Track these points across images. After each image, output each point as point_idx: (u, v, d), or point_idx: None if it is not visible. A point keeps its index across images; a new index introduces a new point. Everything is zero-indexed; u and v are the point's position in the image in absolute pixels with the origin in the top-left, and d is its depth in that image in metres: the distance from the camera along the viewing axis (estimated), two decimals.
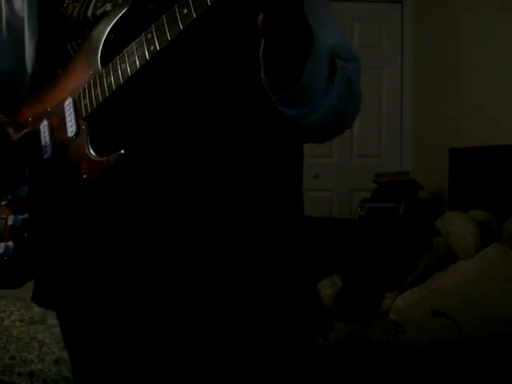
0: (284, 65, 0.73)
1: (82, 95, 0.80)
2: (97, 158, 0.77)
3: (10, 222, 0.86)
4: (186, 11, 0.66)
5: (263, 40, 0.72)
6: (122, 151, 0.75)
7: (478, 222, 2.63)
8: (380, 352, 2.03)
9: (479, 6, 3.19)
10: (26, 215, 0.85)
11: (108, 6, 0.82)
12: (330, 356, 1.98)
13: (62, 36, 0.86)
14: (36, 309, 2.23)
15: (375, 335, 2.25)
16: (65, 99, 0.83)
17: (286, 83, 0.74)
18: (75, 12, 0.84)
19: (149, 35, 0.71)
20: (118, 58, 0.75)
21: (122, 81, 0.74)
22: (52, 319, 2.09)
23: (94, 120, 0.80)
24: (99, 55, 0.79)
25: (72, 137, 0.81)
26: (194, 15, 0.65)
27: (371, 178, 3.62)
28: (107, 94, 0.76)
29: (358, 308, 2.53)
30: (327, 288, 2.63)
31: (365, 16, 4.06)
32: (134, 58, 0.73)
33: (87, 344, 0.90)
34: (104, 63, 0.78)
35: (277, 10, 0.66)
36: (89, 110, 0.79)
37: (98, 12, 0.83)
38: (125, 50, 0.74)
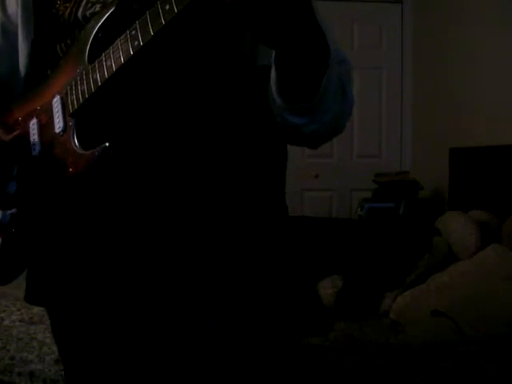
0: (300, 77, 0.73)
1: (69, 92, 0.82)
2: (82, 151, 0.79)
3: None
4: (168, 7, 0.68)
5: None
6: (107, 144, 0.76)
7: (478, 221, 2.63)
8: (380, 352, 2.03)
9: (479, 6, 3.19)
10: (13, 210, 0.86)
11: (97, 7, 0.84)
12: (330, 356, 1.98)
13: (52, 37, 0.88)
14: (36, 309, 2.22)
15: (375, 335, 2.25)
16: (53, 97, 0.84)
17: (300, 92, 0.74)
18: (66, 13, 0.86)
19: (133, 32, 0.73)
20: (103, 54, 0.77)
21: (107, 76, 0.76)
22: None
23: (80, 116, 0.81)
24: (87, 54, 0.81)
25: (59, 133, 0.82)
26: (176, 10, 0.67)
27: (371, 178, 3.62)
28: (93, 90, 0.78)
29: (357, 308, 2.53)
30: (327, 288, 2.63)
31: (365, 16, 4.06)
32: (118, 54, 0.75)
33: (78, 343, 0.90)
34: (91, 61, 0.80)
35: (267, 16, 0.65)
36: (75, 106, 0.80)
37: (88, 13, 0.84)
38: (110, 47, 0.76)
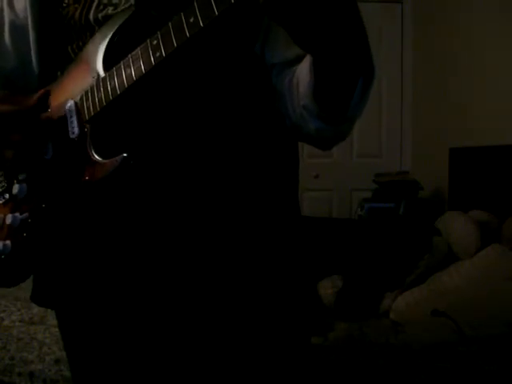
0: (342, 84, 0.72)
1: (84, 98, 0.80)
2: (100, 161, 0.77)
3: (8, 221, 0.86)
4: (192, 20, 0.65)
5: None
6: (125, 154, 0.74)
7: (478, 221, 2.63)
8: (380, 352, 2.03)
9: (479, 6, 3.19)
10: (25, 215, 0.85)
11: (109, 10, 0.82)
12: (330, 356, 1.98)
13: (62, 38, 0.86)
14: (36, 309, 2.23)
15: (375, 335, 2.25)
16: (66, 101, 0.83)
17: (341, 100, 0.73)
18: (76, 14, 0.84)
19: (154, 42, 0.71)
20: (122, 62, 0.75)
21: (126, 85, 0.74)
22: (52, 319, 2.09)
23: (95, 122, 0.80)
24: (102, 59, 0.79)
25: (74, 138, 0.81)
26: (201, 24, 0.64)
27: (371, 178, 3.62)
28: (111, 98, 0.76)
29: (357, 308, 2.53)
30: (327, 288, 2.63)
31: (365, 16, 4.01)
32: (139, 63, 0.73)
33: (86, 343, 0.90)
34: (106, 67, 0.78)
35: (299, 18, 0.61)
36: (92, 113, 0.79)
37: (100, 15, 0.83)
38: (129, 55, 0.74)
